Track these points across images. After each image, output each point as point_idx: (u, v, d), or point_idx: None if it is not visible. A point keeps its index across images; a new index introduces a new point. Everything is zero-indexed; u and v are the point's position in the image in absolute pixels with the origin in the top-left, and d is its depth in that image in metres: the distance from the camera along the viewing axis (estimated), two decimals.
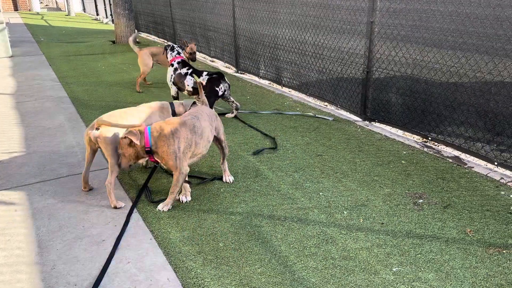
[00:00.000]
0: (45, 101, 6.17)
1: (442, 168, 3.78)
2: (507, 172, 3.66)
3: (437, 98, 4.16)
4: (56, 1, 32.87)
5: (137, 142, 2.97)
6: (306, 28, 5.89)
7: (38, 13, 25.13)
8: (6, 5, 28.18)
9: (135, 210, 3.19)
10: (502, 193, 3.33)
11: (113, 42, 12.02)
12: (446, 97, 4.07)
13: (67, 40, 12.93)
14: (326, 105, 5.83)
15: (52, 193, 3.47)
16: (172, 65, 5.23)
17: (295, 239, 2.79)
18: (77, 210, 3.21)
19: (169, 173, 3.77)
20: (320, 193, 3.38)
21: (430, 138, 4.33)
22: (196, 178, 3.66)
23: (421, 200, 3.24)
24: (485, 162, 3.85)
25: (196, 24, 9.67)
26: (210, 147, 4.31)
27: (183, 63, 5.19)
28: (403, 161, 3.93)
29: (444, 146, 4.26)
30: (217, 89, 4.86)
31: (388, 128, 4.86)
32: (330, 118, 5.17)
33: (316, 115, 5.29)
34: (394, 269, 2.49)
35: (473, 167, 3.78)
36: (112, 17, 17.08)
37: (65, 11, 26.02)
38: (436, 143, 4.33)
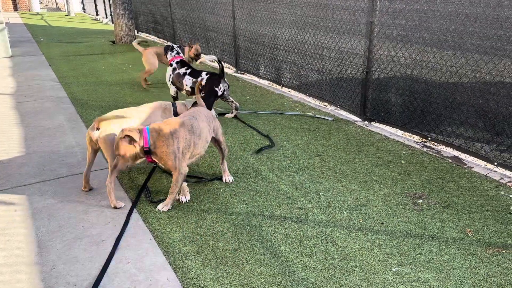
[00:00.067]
0: (45, 101, 6.16)
1: (441, 168, 3.78)
2: (507, 172, 3.66)
3: (436, 98, 4.16)
4: (55, 1, 32.86)
5: (139, 140, 2.95)
6: (305, 28, 5.89)
7: (37, 13, 25.12)
8: (5, 5, 28.17)
9: (134, 210, 3.19)
10: (502, 193, 3.33)
11: (113, 42, 12.02)
12: (445, 97, 4.08)
13: (66, 40, 12.93)
14: (326, 105, 5.83)
15: (51, 193, 3.47)
16: (171, 65, 5.24)
17: (294, 239, 2.79)
18: (76, 210, 3.20)
19: (168, 173, 3.77)
20: (320, 193, 3.38)
21: (429, 138, 4.34)
22: (196, 178, 3.66)
23: (421, 200, 3.24)
24: (485, 162, 3.85)
25: (196, 24, 9.67)
26: (210, 147, 4.31)
27: (182, 63, 5.19)
28: (402, 161, 3.93)
29: (444, 146, 4.26)
30: (217, 89, 4.86)
31: (387, 128, 4.86)
32: (330, 118, 5.17)
33: (316, 115, 5.29)
34: (393, 269, 2.49)
35: (472, 167, 3.78)
36: (111, 17, 17.08)
37: (65, 11, 26.02)
38: (435, 143, 4.33)
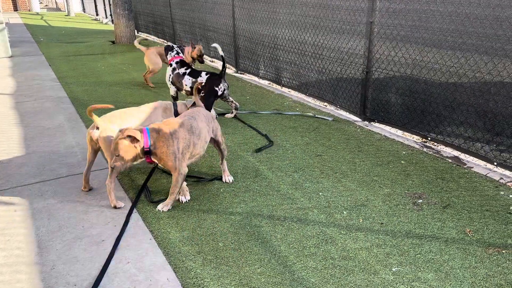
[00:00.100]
0: (45, 101, 6.16)
1: (441, 168, 3.79)
2: (507, 172, 3.66)
3: (436, 98, 4.16)
4: (55, 1, 32.87)
5: (141, 139, 2.91)
6: (305, 28, 5.89)
7: (37, 13, 25.13)
8: (5, 5, 28.18)
9: (134, 210, 3.19)
10: (502, 193, 3.33)
11: (113, 42, 12.02)
12: (445, 97, 4.08)
13: (66, 40, 12.93)
14: (326, 105, 5.83)
15: (51, 193, 3.47)
16: (171, 65, 5.24)
17: (294, 239, 2.79)
18: (76, 210, 3.21)
19: (168, 173, 3.77)
20: (320, 193, 3.38)
21: (429, 138, 4.34)
22: (196, 178, 3.66)
23: (421, 200, 3.24)
24: (485, 162, 3.85)
25: (195, 24, 9.68)
26: (210, 147, 4.31)
27: (181, 63, 5.19)
28: (402, 161, 3.93)
29: (444, 146, 4.26)
30: (217, 88, 4.87)
31: (387, 128, 4.86)
32: (330, 118, 5.17)
33: (316, 115, 5.29)
34: (393, 269, 2.49)
35: (472, 167, 3.79)
36: (111, 18, 17.08)
37: (65, 11, 26.02)
38: (435, 143, 4.34)
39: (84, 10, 25.63)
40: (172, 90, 5.31)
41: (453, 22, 3.87)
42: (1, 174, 3.84)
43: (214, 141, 3.50)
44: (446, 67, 4.01)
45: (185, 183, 3.34)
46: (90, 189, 3.51)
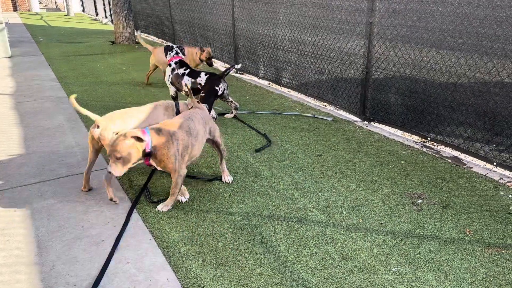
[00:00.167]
0: (44, 101, 6.16)
1: (441, 168, 3.79)
2: (506, 172, 3.66)
3: (436, 98, 4.16)
4: (55, 2, 32.86)
5: (145, 139, 2.83)
6: (305, 28, 5.89)
7: (37, 13, 25.12)
8: (5, 6, 28.17)
9: (134, 210, 3.18)
10: (501, 193, 3.33)
11: (113, 42, 12.02)
12: (445, 97, 4.08)
13: (66, 40, 12.93)
14: (326, 106, 5.83)
15: (51, 193, 3.47)
16: (170, 65, 5.23)
17: (294, 239, 2.79)
18: (76, 211, 3.20)
19: (168, 173, 3.77)
20: (320, 193, 3.38)
21: (429, 138, 4.34)
22: (196, 178, 3.66)
23: (420, 200, 3.24)
24: (484, 162, 3.85)
25: (195, 24, 9.68)
26: (209, 147, 4.31)
27: (180, 63, 5.18)
28: (402, 161, 3.94)
29: (443, 146, 4.26)
30: (217, 88, 4.87)
31: (387, 128, 4.86)
32: (329, 119, 5.17)
33: (316, 116, 5.29)
34: (393, 269, 2.49)
35: (472, 167, 3.79)
36: (111, 18, 17.08)
37: (64, 11, 26.03)
38: (435, 143, 4.34)
39: (83, 10, 25.63)
40: (172, 90, 5.31)
41: (453, 22, 3.87)
42: (1, 174, 3.84)
43: (212, 142, 3.47)
44: (445, 67, 4.01)
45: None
46: (90, 189, 3.51)
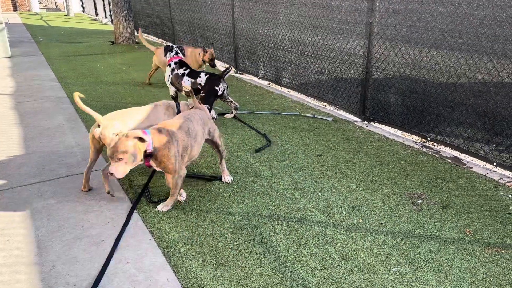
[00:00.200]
0: (44, 101, 6.16)
1: (441, 168, 3.79)
2: (506, 172, 3.67)
3: (436, 98, 4.16)
4: (55, 2, 32.86)
5: (147, 139, 2.80)
6: (305, 28, 5.89)
7: (37, 14, 25.12)
8: (5, 6, 28.17)
9: (134, 210, 3.18)
10: (501, 193, 3.33)
11: (112, 42, 12.02)
12: (445, 98, 4.08)
13: (66, 40, 12.93)
14: (325, 106, 5.83)
15: (51, 194, 3.47)
16: (170, 65, 5.23)
17: (294, 239, 2.79)
18: (76, 211, 3.20)
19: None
20: (319, 193, 3.38)
21: (429, 139, 4.34)
22: (195, 178, 3.66)
23: (420, 200, 3.24)
24: (484, 163, 3.85)
25: (195, 24, 9.68)
26: (209, 148, 4.31)
27: (180, 64, 5.18)
28: (402, 162, 3.94)
29: (443, 146, 4.26)
30: (217, 88, 4.87)
31: (387, 128, 4.86)
32: (329, 119, 5.17)
33: (315, 116, 5.29)
34: (393, 269, 2.49)
35: (472, 168, 3.79)
36: (111, 18, 17.08)
37: (64, 11, 26.02)
38: (435, 143, 4.34)
39: (83, 10, 25.63)
40: (172, 90, 5.31)
41: (453, 23, 3.87)
42: (0, 174, 3.83)
43: (212, 143, 3.46)
44: (445, 67, 4.01)
45: None
46: (90, 189, 3.50)
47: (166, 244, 2.77)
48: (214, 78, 4.90)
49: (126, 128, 3.33)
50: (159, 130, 2.94)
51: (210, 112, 4.86)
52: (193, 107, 3.76)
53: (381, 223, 2.95)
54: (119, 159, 2.74)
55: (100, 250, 2.73)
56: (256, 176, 3.70)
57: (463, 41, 3.81)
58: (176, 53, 5.27)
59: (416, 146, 4.30)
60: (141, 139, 2.82)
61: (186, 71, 5.11)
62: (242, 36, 7.62)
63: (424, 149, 4.22)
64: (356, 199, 3.29)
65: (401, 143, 4.40)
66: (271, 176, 3.69)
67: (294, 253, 2.65)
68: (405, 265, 2.52)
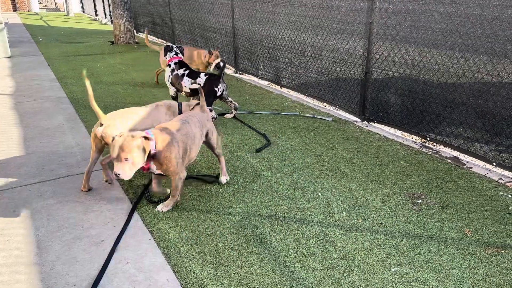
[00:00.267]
0: (44, 102, 6.16)
1: (440, 168, 3.79)
2: (506, 173, 3.67)
3: (436, 98, 4.17)
4: (55, 2, 32.86)
5: (151, 140, 2.78)
6: (305, 28, 5.89)
7: (37, 14, 25.11)
8: (5, 6, 28.16)
9: (135, 210, 3.18)
10: (501, 193, 3.33)
11: (112, 42, 12.02)
12: (445, 98, 4.08)
13: (66, 40, 12.93)
14: (325, 106, 5.84)
15: (51, 194, 3.47)
16: (170, 65, 5.23)
17: (294, 239, 2.79)
18: (76, 211, 3.20)
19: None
20: (319, 194, 3.38)
21: (428, 139, 4.34)
22: (195, 178, 3.66)
23: (420, 201, 3.25)
24: (484, 163, 3.85)
25: (195, 24, 9.68)
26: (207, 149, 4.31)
27: (180, 64, 5.18)
28: (401, 162, 3.94)
29: (443, 147, 4.26)
30: (216, 89, 4.87)
31: (387, 128, 4.87)
32: (329, 119, 5.17)
33: (315, 116, 5.30)
34: (393, 269, 2.49)
35: (471, 168, 3.79)
36: (111, 18, 17.07)
37: (64, 11, 26.01)
38: (434, 144, 4.34)
39: (83, 10, 25.62)
40: (172, 90, 5.31)
41: (453, 23, 3.87)
42: (0, 174, 3.83)
43: (208, 145, 3.44)
44: (445, 67, 4.01)
45: None
46: (90, 189, 3.50)
47: (166, 244, 2.77)
48: (213, 79, 4.90)
49: (128, 128, 3.34)
50: (160, 131, 2.94)
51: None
52: (193, 108, 3.77)
53: (381, 223, 2.95)
54: (126, 160, 2.69)
55: (100, 250, 2.73)
56: (256, 176, 3.70)
57: (463, 41, 3.81)
58: (176, 54, 5.27)
59: (416, 146, 4.30)
60: (146, 138, 2.80)
61: (186, 72, 5.11)
62: (242, 36, 7.62)
63: (424, 149, 4.22)
64: (356, 199, 3.29)
65: (401, 143, 4.40)
66: (270, 176, 3.69)
67: (294, 253, 2.65)
68: (405, 265, 2.52)
